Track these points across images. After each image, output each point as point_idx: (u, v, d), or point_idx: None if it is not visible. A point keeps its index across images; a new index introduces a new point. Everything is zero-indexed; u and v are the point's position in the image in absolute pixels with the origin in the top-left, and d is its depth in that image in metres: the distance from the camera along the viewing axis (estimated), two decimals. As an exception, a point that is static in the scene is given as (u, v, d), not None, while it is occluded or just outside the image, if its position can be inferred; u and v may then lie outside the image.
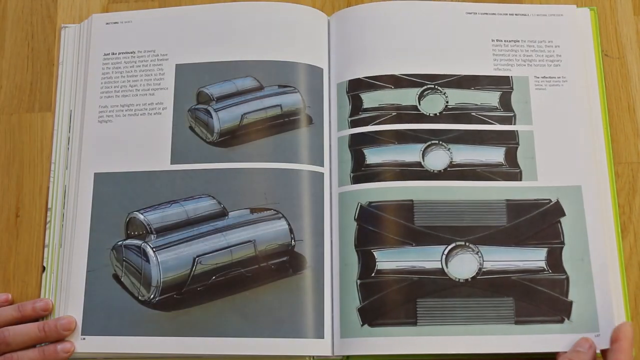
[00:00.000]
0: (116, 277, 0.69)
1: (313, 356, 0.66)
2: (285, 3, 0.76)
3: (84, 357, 0.67)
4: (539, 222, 0.67)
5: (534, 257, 0.66)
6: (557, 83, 0.72)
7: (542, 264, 0.66)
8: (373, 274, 0.66)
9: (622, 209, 0.70)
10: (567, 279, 0.66)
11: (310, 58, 0.74)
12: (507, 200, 0.68)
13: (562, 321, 0.64)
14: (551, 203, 0.68)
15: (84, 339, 0.67)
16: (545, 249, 0.67)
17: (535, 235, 0.67)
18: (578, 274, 0.65)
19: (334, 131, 0.72)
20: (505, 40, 0.73)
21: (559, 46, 0.73)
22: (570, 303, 0.65)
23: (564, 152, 0.69)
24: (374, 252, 0.67)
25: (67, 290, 0.68)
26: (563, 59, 0.73)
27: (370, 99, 0.72)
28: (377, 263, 0.66)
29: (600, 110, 0.72)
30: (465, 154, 0.70)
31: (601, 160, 0.70)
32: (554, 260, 0.66)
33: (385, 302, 0.65)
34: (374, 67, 0.72)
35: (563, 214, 0.68)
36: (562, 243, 0.67)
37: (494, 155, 0.70)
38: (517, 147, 0.70)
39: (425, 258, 0.66)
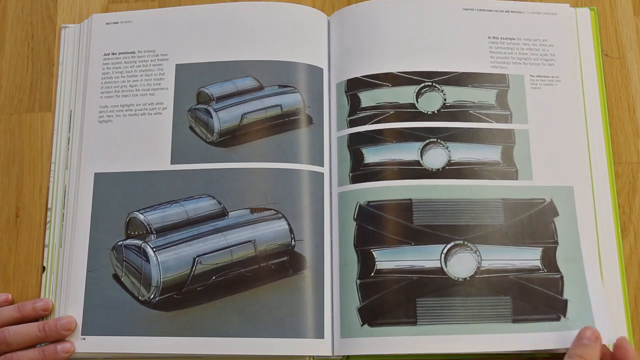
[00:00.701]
0: (116, 277, 0.69)
1: (313, 356, 0.66)
2: (285, 3, 0.76)
3: (84, 357, 0.67)
4: (533, 222, 0.67)
5: (529, 257, 0.66)
6: (551, 82, 0.72)
7: (538, 264, 0.66)
8: (372, 274, 0.66)
9: (622, 209, 0.69)
10: (562, 278, 0.66)
11: (310, 58, 0.74)
12: (504, 199, 0.68)
13: (558, 319, 0.64)
14: (545, 203, 0.68)
15: (84, 339, 0.67)
16: (540, 249, 0.67)
17: (531, 234, 0.67)
18: (572, 273, 0.66)
19: (334, 131, 0.72)
20: (501, 38, 0.73)
21: (553, 45, 0.73)
22: (565, 301, 0.65)
23: (557, 153, 0.70)
24: (373, 252, 0.67)
25: (67, 290, 0.69)
26: (557, 58, 0.73)
27: (368, 98, 0.72)
28: (376, 263, 0.66)
29: (600, 110, 0.72)
30: (463, 152, 0.69)
31: (599, 160, 0.70)
32: (549, 259, 0.66)
33: (385, 301, 0.65)
34: (371, 66, 0.72)
35: (556, 214, 0.68)
36: (556, 243, 0.67)
37: (491, 153, 0.70)
38: (513, 146, 0.70)
39: (424, 257, 0.66)
